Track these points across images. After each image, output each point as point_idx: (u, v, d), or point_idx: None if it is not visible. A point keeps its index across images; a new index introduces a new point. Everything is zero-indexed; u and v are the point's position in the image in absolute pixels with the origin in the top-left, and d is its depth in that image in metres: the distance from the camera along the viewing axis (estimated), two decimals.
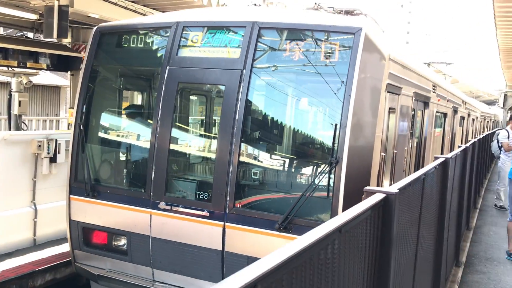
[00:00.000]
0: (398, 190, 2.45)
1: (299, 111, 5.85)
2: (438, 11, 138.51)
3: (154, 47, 6.15)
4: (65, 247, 7.91)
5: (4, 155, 7.55)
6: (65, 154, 8.32)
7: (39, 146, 7.92)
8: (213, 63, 5.50)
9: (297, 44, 5.26)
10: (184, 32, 5.68)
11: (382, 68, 5.47)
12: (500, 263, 7.82)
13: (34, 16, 10.53)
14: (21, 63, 11.65)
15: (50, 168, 8.19)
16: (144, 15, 10.46)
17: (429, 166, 4.16)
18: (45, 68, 12.15)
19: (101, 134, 6.65)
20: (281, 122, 5.88)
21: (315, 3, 6.78)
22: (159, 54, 5.97)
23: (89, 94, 6.21)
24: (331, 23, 5.39)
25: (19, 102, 11.61)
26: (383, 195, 2.32)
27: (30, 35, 12.93)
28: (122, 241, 5.94)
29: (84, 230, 6.14)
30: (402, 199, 2.63)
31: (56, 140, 8.16)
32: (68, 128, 13.06)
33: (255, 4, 7.06)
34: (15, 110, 11.56)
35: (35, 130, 16.72)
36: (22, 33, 12.72)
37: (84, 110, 6.16)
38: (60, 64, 12.44)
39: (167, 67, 5.66)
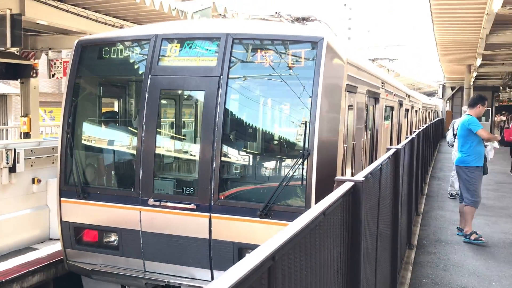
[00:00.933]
0: (364, 178, 2.81)
1: (272, 111, 6.48)
2: (378, 7, 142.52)
3: (135, 57, 6.53)
4: (28, 257, 7.92)
5: None
6: (24, 164, 8.31)
7: None
8: (192, 71, 5.98)
9: (267, 52, 5.88)
10: (163, 43, 6.08)
11: (342, 71, 6.03)
12: (448, 243, 8.43)
13: None
14: None
15: (9, 178, 8.15)
16: (96, 21, 10.51)
17: (384, 156, 4.58)
18: None
19: (88, 140, 7.00)
20: (257, 122, 6.49)
21: (276, 12, 7.37)
22: (139, 64, 6.40)
23: (74, 103, 6.55)
24: (297, 33, 6.07)
25: None
26: (352, 183, 2.67)
27: None
28: (113, 238, 6.35)
29: (75, 229, 6.50)
30: (366, 187, 2.99)
31: (14, 150, 8.13)
32: (21, 137, 12.86)
33: (224, 16, 7.48)
34: None
35: None
36: None
37: (70, 119, 6.50)
38: (9, 72, 12.25)
39: (149, 76, 6.10)
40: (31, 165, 8.55)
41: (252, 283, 1.30)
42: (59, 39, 12.21)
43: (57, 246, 8.42)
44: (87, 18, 10.27)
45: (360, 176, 2.86)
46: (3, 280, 6.96)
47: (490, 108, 36.62)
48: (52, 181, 8.97)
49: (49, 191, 8.96)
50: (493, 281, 6.61)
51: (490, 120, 36.51)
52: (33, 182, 8.65)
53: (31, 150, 8.57)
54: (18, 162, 8.18)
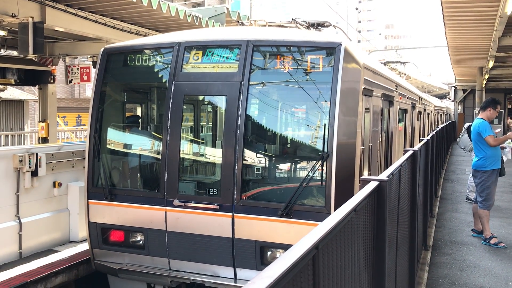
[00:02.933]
0: (388, 178, 2.93)
1: (292, 115, 6.70)
2: (388, 10, 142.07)
3: (158, 64, 6.78)
4: (51, 259, 8.12)
5: None
6: (45, 168, 8.51)
7: (21, 160, 8.07)
8: (214, 77, 6.20)
9: (286, 58, 6.08)
10: (186, 51, 6.31)
11: (359, 75, 6.17)
12: (463, 245, 8.50)
13: (2, 33, 10.60)
14: None
15: (32, 181, 8.35)
16: (113, 27, 10.72)
17: (403, 157, 4.69)
18: (13, 83, 12.20)
19: (114, 144, 7.29)
20: (277, 125, 6.70)
21: (292, 19, 7.56)
22: (163, 71, 6.64)
23: (101, 109, 6.82)
24: (315, 39, 6.25)
25: None
26: (377, 183, 2.79)
27: None
28: (139, 237, 6.59)
29: (102, 230, 6.75)
30: (389, 186, 3.10)
31: (36, 154, 8.33)
32: (39, 142, 13.11)
33: (242, 23, 7.67)
34: None
35: (3, 145, 16.55)
36: None
37: (97, 124, 6.78)
38: (28, 78, 12.52)
39: (173, 82, 6.34)
40: (52, 169, 8.75)
41: (300, 268, 1.43)
42: (77, 45, 12.45)
43: (78, 248, 8.62)
44: (105, 24, 10.48)
45: (384, 176, 2.98)
46: (28, 280, 7.14)
47: (503, 111, 36.44)
48: (72, 184, 9.18)
49: (69, 194, 9.15)
50: (510, 281, 6.67)
51: (502, 122, 36.31)
52: (54, 186, 8.84)
53: (52, 155, 8.77)
54: (40, 166, 8.38)
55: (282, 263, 1.33)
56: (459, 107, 44.53)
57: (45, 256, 8.23)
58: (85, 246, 8.53)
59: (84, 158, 9.29)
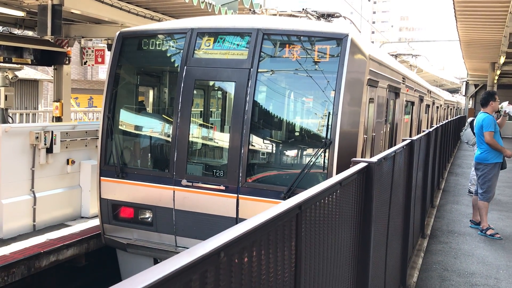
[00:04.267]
0: (376, 160, 3.20)
1: (297, 102, 6.95)
2: (401, 2, 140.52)
3: (171, 49, 7.02)
4: (63, 232, 8.50)
5: (6, 146, 8.03)
6: (60, 145, 8.86)
7: (37, 137, 8.42)
8: (224, 63, 6.44)
9: (294, 47, 6.30)
10: (198, 37, 6.52)
11: (364, 66, 6.40)
12: (460, 234, 8.76)
13: (21, 14, 10.92)
14: (6, 58, 12.03)
15: (46, 158, 8.69)
16: (129, 12, 10.99)
17: (398, 145, 4.96)
18: (30, 62, 12.54)
19: (126, 125, 7.58)
20: (283, 112, 6.96)
21: (303, 9, 7.81)
22: (176, 56, 6.89)
23: (115, 91, 7.12)
24: (323, 30, 6.47)
25: (5, 96, 12.01)
26: (365, 164, 3.06)
27: (14, 30, 13.24)
28: (147, 215, 6.90)
29: (113, 206, 7.07)
30: (379, 169, 3.38)
31: (52, 132, 8.66)
32: (53, 121, 13.48)
33: (254, 12, 7.91)
34: (1, 104, 11.94)
35: (19, 123, 16.97)
36: (4, 29, 13.02)
37: (111, 105, 7.06)
38: (44, 58, 12.85)
39: (185, 67, 6.60)
40: (66, 147, 9.08)
41: (284, 222, 1.71)
42: (92, 28, 12.74)
43: (88, 224, 9.00)
44: (120, 8, 10.74)
45: (374, 159, 3.26)
46: (42, 251, 7.52)
47: None
48: (84, 162, 9.52)
49: (82, 172, 9.50)
50: (500, 270, 6.94)
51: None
52: (68, 163, 9.19)
53: (67, 133, 9.10)
54: (54, 144, 8.71)
55: (267, 214, 1.61)
56: (470, 102, 44.40)
57: (57, 230, 8.61)
58: (95, 222, 8.90)
59: (97, 138, 9.66)
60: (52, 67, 13.36)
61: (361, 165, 2.99)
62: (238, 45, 6.45)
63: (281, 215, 1.66)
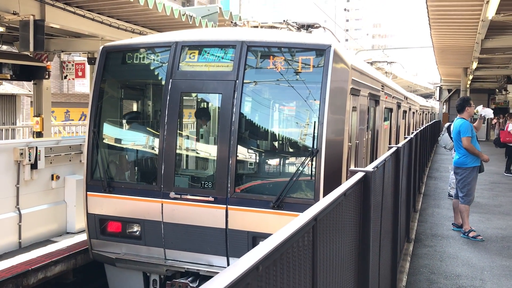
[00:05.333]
0: (373, 169, 3.32)
1: (283, 113, 7.05)
2: (375, 11, 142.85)
3: (156, 63, 7.02)
4: (50, 248, 8.43)
5: None
6: (44, 161, 8.79)
7: (21, 154, 8.34)
8: (210, 76, 6.48)
9: (279, 58, 6.35)
10: (183, 50, 6.51)
11: (347, 76, 6.54)
12: (443, 238, 8.96)
13: (0, 29, 10.84)
14: None
15: (31, 174, 8.62)
16: (110, 25, 11.01)
17: (387, 153, 5.10)
18: (9, 78, 12.41)
19: (113, 139, 7.57)
20: (269, 122, 7.03)
21: (284, 20, 7.93)
22: (161, 69, 6.88)
23: (100, 105, 7.10)
24: (306, 41, 6.61)
25: None
26: (363, 173, 3.18)
27: None
28: (136, 228, 6.88)
29: (100, 221, 7.03)
30: (374, 177, 3.50)
31: (36, 148, 8.60)
32: (33, 136, 13.34)
33: (235, 24, 8.01)
34: None
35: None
36: None
37: (96, 119, 7.05)
38: (23, 73, 12.73)
39: (170, 80, 6.61)
40: (50, 162, 9.02)
41: (304, 234, 1.81)
42: (72, 42, 12.70)
43: (75, 239, 8.93)
44: (101, 22, 10.76)
45: (370, 167, 3.37)
46: (29, 268, 7.44)
47: None
48: (69, 177, 9.46)
49: (67, 187, 9.43)
50: (485, 271, 7.14)
51: (486, 122, 37.07)
52: (52, 179, 9.12)
53: (51, 148, 9.04)
54: (39, 160, 8.64)
55: (289, 228, 1.71)
56: (444, 106, 45.34)
57: (43, 246, 8.52)
58: (82, 237, 8.84)
59: (81, 152, 9.63)
60: (32, 82, 13.24)
61: (360, 174, 3.10)
62: (223, 57, 6.53)
63: (302, 228, 1.75)
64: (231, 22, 8.48)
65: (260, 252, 1.38)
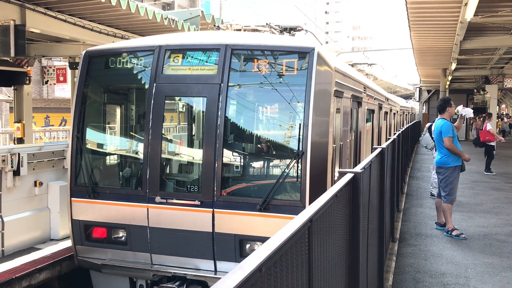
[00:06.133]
0: (362, 170, 3.37)
1: (268, 115, 7.05)
2: (355, 13, 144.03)
3: (140, 67, 6.95)
4: (34, 256, 8.31)
5: None
6: (27, 167, 8.70)
7: (3, 160, 8.25)
8: (194, 79, 6.45)
9: (263, 61, 6.38)
10: (166, 54, 6.50)
11: (331, 78, 6.59)
12: (427, 237, 9.08)
13: None
14: None
15: (14, 181, 8.52)
16: (91, 30, 10.93)
17: (372, 154, 5.16)
18: None
19: (96, 144, 7.47)
20: (254, 125, 7.01)
21: (266, 23, 7.97)
22: (144, 73, 6.82)
23: (83, 110, 7.01)
24: (290, 44, 6.62)
25: None
26: (352, 174, 3.22)
27: None
28: (121, 234, 6.80)
29: (85, 227, 6.93)
30: (362, 178, 3.55)
31: (18, 154, 8.51)
32: (14, 142, 13.16)
33: (218, 27, 8.02)
34: None
35: None
36: None
37: (79, 124, 6.96)
38: (3, 79, 12.57)
39: (154, 84, 6.55)
40: (33, 169, 8.94)
41: (301, 235, 1.84)
42: (53, 46, 12.57)
43: (59, 246, 8.82)
44: (83, 27, 10.67)
45: (358, 168, 3.42)
46: (13, 277, 7.33)
47: None
48: (52, 184, 9.38)
49: (50, 193, 9.35)
50: (469, 268, 7.26)
51: (465, 122, 37.65)
52: (35, 185, 9.03)
53: (33, 155, 8.96)
54: (22, 166, 8.56)
55: (286, 231, 1.73)
56: (424, 107, 45.93)
57: (26, 254, 8.40)
58: (66, 244, 8.74)
59: (64, 158, 9.55)
60: (12, 87, 13.07)
61: (349, 175, 3.15)
62: (207, 61, 6.52)
63: (300, 229, 1.78)
64: (214, 25, 8.48)
65: (262, 254, 1.41)
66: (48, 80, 13.45)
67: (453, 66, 24.69)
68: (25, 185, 8.82)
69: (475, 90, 40.43)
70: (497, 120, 35.62)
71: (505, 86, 30.77)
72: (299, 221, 1.85)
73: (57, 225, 9.31)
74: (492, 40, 17.89)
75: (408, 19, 15.75)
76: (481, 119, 35.29)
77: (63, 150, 9.55)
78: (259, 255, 1.40)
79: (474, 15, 12.72)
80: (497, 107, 43.58)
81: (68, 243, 8.50)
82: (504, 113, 60.17)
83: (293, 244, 1.73)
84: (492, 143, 18.50)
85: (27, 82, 12.64)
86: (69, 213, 7.07)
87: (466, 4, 11.77)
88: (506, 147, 27.22)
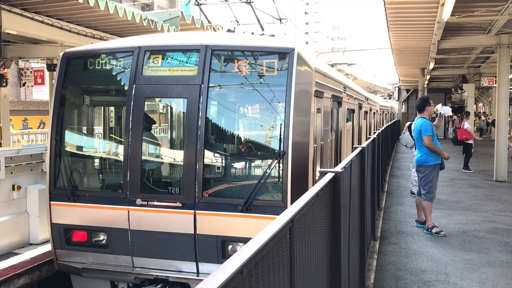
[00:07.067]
0: (342, 169, 3.39)
1: (249, 116, 7.04)
2: (333, 12, 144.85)
3: (119, 68, 6.87)
4: (13, 261, 8.18)
5: None
6: (4, 171, 8.54)
7: None
8: (175, 80, 6.40)
9: (244, 62, 6.36)
10: (146, 54, 6.44)
11: (311, 78, 6.62)
12: (408, 234, 9.18)
13: None
14: None
15: None
16: (69, 31, 10.80)
17: (353, 154, 5.20)
18: None
19: (76, 146, 7.38)
20: (236, 126, 7.02)
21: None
22: (124, 74, 6.74)
23: (62, 112, 6.92)
24: (270, 44, 6.64)
25: None
26: (333, 174, 3.24)
27: None
28: (102, 237, 6.72)
29: (65, 231, 6.84)
30: (343, 177, 3.57)
31: None
32: None
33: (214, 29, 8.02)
34: None
35: None
36: None
37: (58, 126, 6.87)
38: None
39: (134, 85, 6.48)
40: (11, 172, 8.78)
41: (282, 236, 1.84)
42: (30, 48, 12.39)
43: (39, 250, 8.69)
44: (61, 28, 10.54)
45: (338, 168, 3.44)
46: None
47: None
48: (31, 187, 9.22)
49: (28, 197, 9.19)
50: (448, 265, 7.36)
51: (444, 120, 38.12)
52: (13, 189, 8.87)
53: (11, 158, 8.80)
54: None
55: (268, 231, 1.73)
56: (403, 106, 46.45)
57: (5, 259, 8.27)
58: (46, 248, 8.62)
59: (43, 161, 9.41)
60: None
61: (330, 175, 3.16)
62: (187, 62, 6.49)
63: (281, 230, 1.79)
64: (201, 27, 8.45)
65: (243, 256, 1.40)
66: (25, 82, 13.25)
67: (431, 65, 25.02)
68: (3, 189, 8.66)
69: (453, 89, 41.05)
70: (474, 119, 36.23)
71: (482, 85, 31.27)
72: (280, 221, 1.85)
73: (36, 229, 9.16)
74: (468, 39, 18.17)
75: (386, 19, 15.90)
76: (459, 117, 35.85)
77: (42, 153, 9.40)
78: (240, 257, 1.40)
79: (451, 15, 12.91)
80: (475, 105, 44.31)
81: (48, 247, 8.39)
82: (481, 111, 61.21)
83: (274, 245, 1.74)
84: (470, 141, 18.81)
85: (4, 84, 12.44)
86: (49, 217, 6.97)
87: (443, 4, 11.93)
88: (484, 145, 27.67)
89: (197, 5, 9.64)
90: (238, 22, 11.60)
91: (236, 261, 1.35)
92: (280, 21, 9.66)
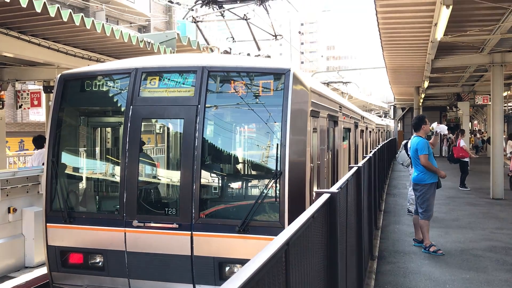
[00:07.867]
0: (338, 190, 3.40)
1: (246, 136, 7.08)
2: (328, 32, 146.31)
3: (116, 90, 6.92)
4: (7, 285, 8.10)
5: None
6: (0, 193, 8.51)
7: None
8: (172, 101, 6.45)
9: (240, 83, 6.41)
10: (143, 76, 6.49)
11: (307, 98, 6.67)
12: (406, 254, 9.15)
13: None
14: None
15: None
16: (66, 53, 10.86)
17: (349, 173, 5.22)
18: None
19: (72, 168, 7.36)
20: (232, 146, 7.05)
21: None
22: (121, 96, 6.77)
23: (58, 134, 6.94)
24: (266, 66, 6.70)
25: None
26: (329, 194, 3.25)
27: None
28: (98, 259, 6.67)
29: (61, 253, 6.77)
30: (339, 198, 3.58)
31: None
32: None
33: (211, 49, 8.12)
34: None
35: None
36: None
37: (55, 148, 6.89)
38: None
39: (131, 107, 6.50)
40: (7, 195, 8.75)
41: (277, 259, 1.84)
42: (26, 70, 12.45)
43: (34, 274, 8.63)
44: (57, 50, 10.60)
45: (334, 188, 3.45)
46: None
47: None
48: (27, 210, 9.18)
49: (24, 220, 9.15)
50: (447, 284, 7.32)
51: (440, 138, 38.26)
52: (9, 212, 8.83)
53: (7, 180, 8.78)
54: None
55: (264, 255, 1.74)
56: (399, 124, 46.64)
57: (0, 283, 8.19)
58: (41, 271, 8.56)
59: (39, 183, 9.38)
60: None
61: (325, 196, 3.17)
62: (184, 83, 6.53)
63: (276, 254, 1.79)
64: (200, 49, 8.54)
65: (238, 281, 1.41)
66: (22, 104, 13.28)
67: (426, 84, 25.20)
68: None
69: (448, 107, 41.29)
70: (470, 136, 36.39)
71: (477, 102, 31.48)
72: (276, 244, 1.86)
73: (32, 252, 9.10)
74: (462, 58, 18.35)
75: (380, 39, 16.07)
76: (455, 136, 35.97)
77: (38, 175, 9.38)
78: (235, 282, 1.40)
79: (444, 35, 13.05)
80: (470, 123, 44.53)
81: (44, 270, 8.34)
82: (477, 129, 61.50)
83: (269, 268, 1.74)
84: (466, 159, 18.86)
85: (1, 106, 12.46)
86: (45, 239, 6.92)
87: (436, 24, 12.08)
88: (480, 163, 27.72)
89: (194, 22, 9.74)
90: (234, 39, 11.73)
91: (232, 287, 1.36)
92: (276, 37, 9.78)
